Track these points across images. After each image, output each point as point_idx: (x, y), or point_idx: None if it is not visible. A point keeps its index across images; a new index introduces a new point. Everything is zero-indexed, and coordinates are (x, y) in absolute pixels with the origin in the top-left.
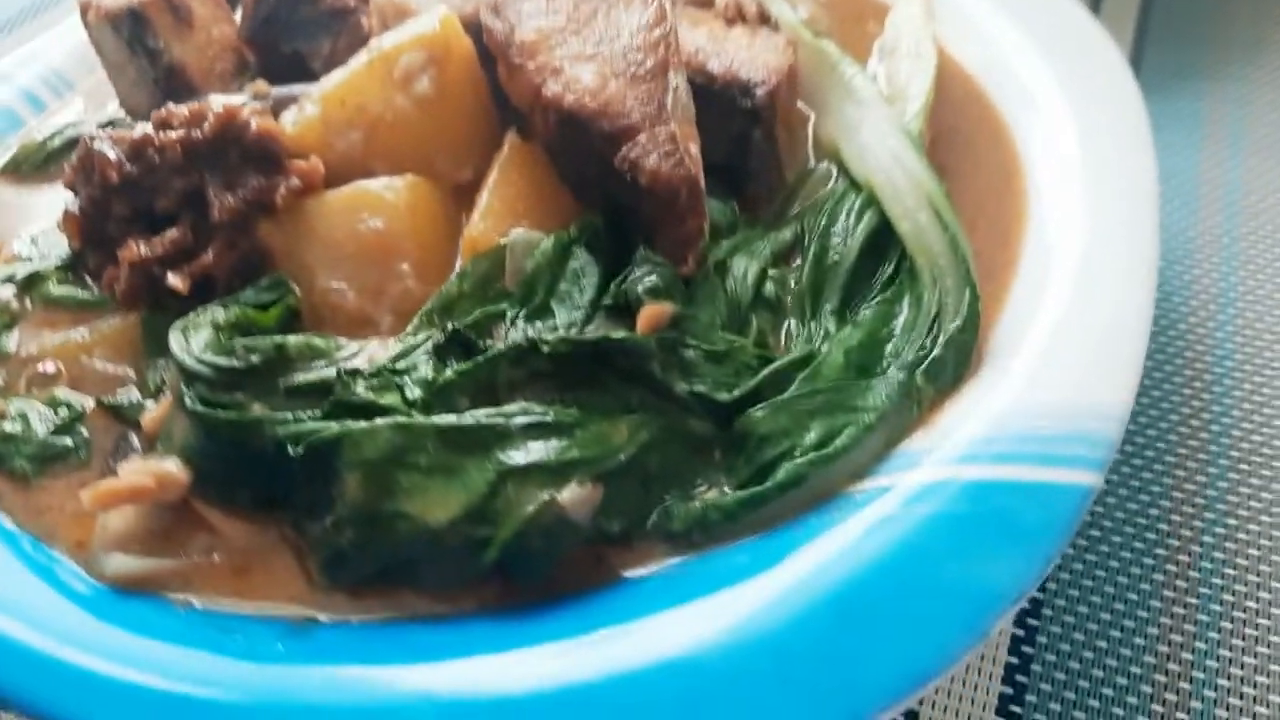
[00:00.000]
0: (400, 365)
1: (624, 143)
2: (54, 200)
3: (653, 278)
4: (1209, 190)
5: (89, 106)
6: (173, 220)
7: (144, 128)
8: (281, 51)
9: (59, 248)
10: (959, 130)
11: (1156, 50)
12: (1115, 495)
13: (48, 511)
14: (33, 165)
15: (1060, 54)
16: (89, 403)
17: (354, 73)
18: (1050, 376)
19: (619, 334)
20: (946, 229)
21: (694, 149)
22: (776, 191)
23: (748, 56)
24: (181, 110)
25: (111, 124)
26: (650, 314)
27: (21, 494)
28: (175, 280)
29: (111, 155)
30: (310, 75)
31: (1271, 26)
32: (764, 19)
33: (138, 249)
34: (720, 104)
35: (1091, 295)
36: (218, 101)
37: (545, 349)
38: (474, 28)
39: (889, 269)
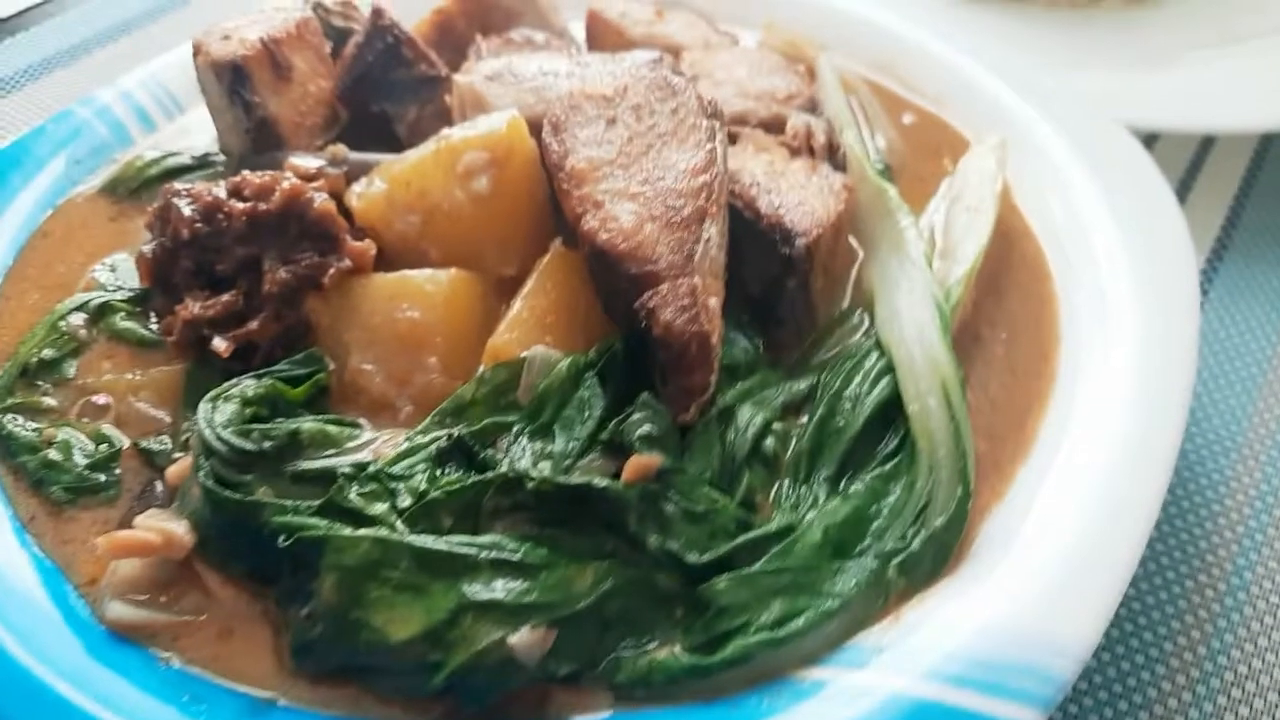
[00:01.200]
0: (397, 470)
1: (647, 288)
2: (140, 229)
3: (648, 426)
4: (1275, 377)
5: (194, 134)
6: (233, 281)
7: (219, 191)
8: (370, 111)
9: (133, 280)
10: (1008, 293)
11: (1257, 210)
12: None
13: (71, 542)
14: (128, 189)
15: (1132, 234)
16: (126, 442)
17: (422, 158)
18: (1022, 596)
19: (601, 482)
20: (953, 419)
21: (714, 303)
22: (805, 335)
23: (798, 200)
24: (255, 179)
25: (206, 159)
26: (636, 465)
27: (53, 521)
28: (219, 343)
29: (186, 212)
30: (394, 137)
31: None
32: (833, 149)
33: (192, 307)
34: (762, 243)
35: (1088, 515)
36: (291, 172)
37: (530, 485)
38: (541, 129)
39: (893, 443)
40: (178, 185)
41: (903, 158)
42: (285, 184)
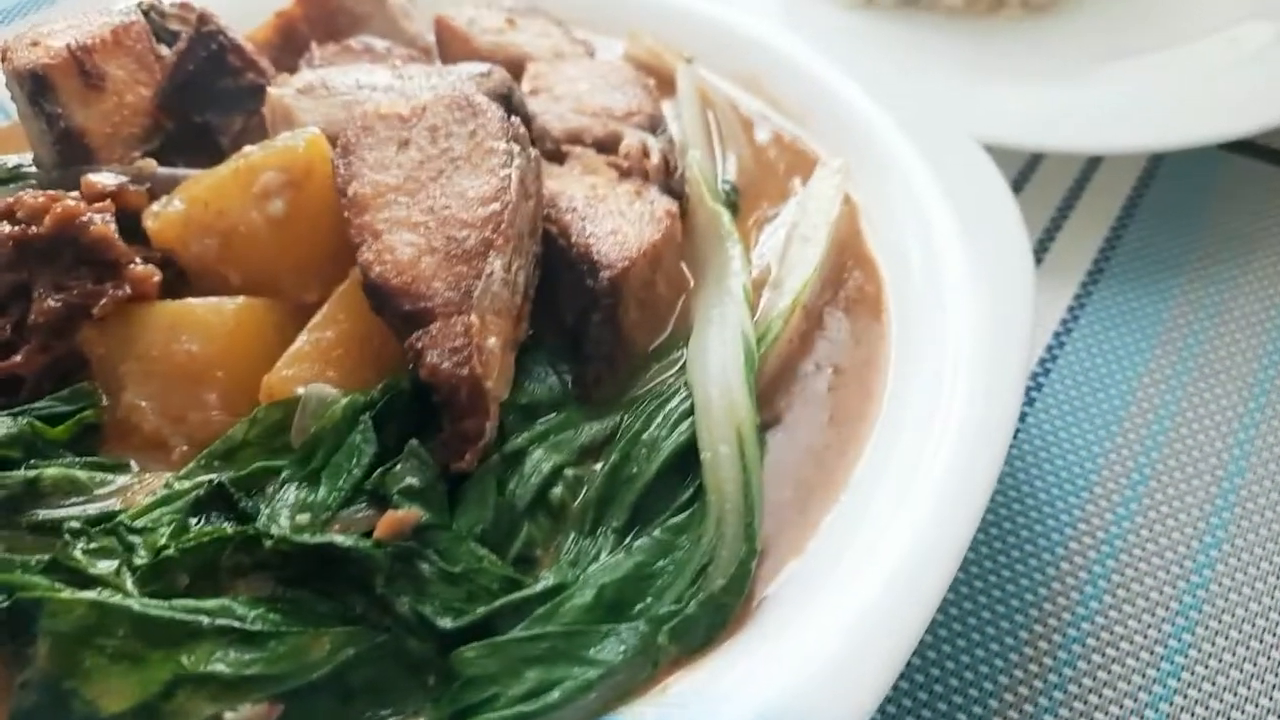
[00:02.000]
0: (141, 522)
1: (419, 326)
2: None
3: (410, 478)
4: (1137, 411)
5: (19, 141)
6: (3, 310)
7: None
8: (193, 121)
9: None
10: (841, 329)
11: (1139, 233)
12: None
13: None
14: None
15: (979, 277)
16: None
17: (220, 178)
18: (795, 670)
19: (345, 541)
20: (744, 470)
21: (493, 343)
22: (618, 371)
23: (611, 228)
24: (29, 200)
25: (18, 170)
26: (389, 521)
27: None
28: None
29: None
30: (217, 149)
31: (1271, 222)
32: (669, 170)
33: None
34: (574, 272)
35: (878, 588)
36: (85, 189)
37: (268, 544)
38: None
39: (688, 492)
40: None
41: (753, 178)
42: (59, 206)
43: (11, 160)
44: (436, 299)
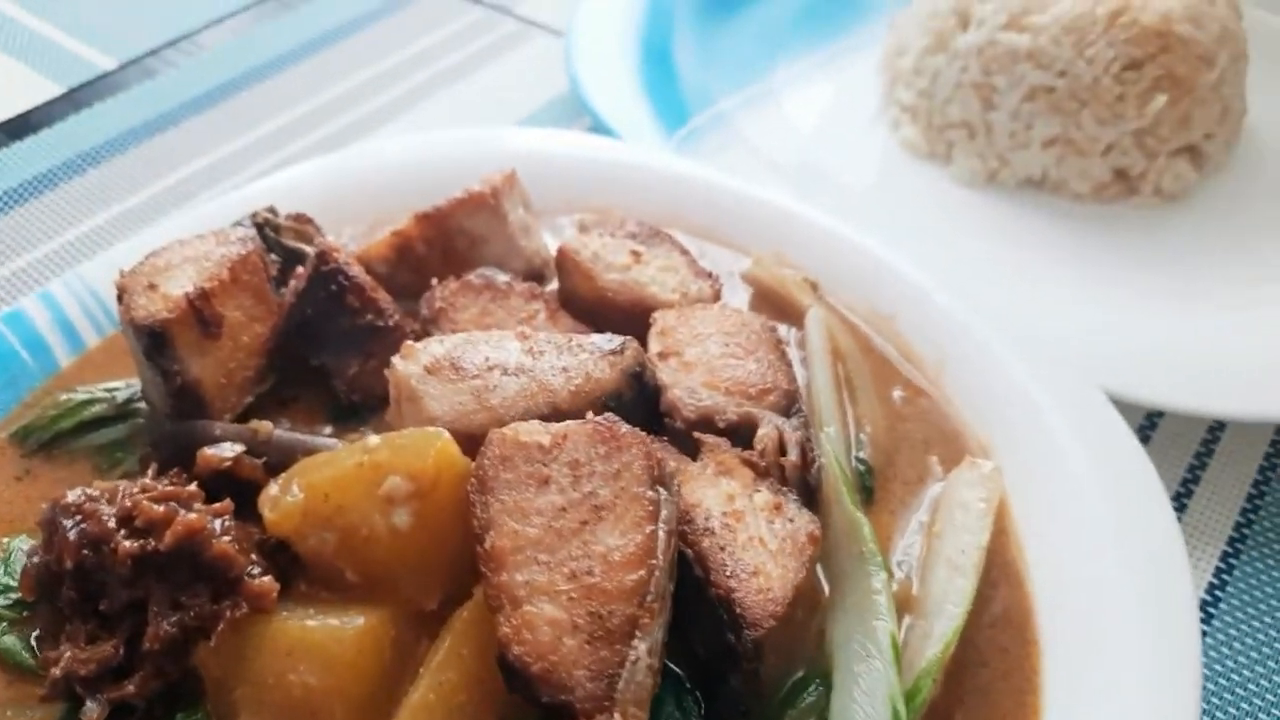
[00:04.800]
0: None
1: (555, 717)
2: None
3: None
4: None
5: (127, 358)
6: (119, 618)
7: (109, 514)
8: (308, 363)
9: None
10: (986, 663)
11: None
12: None
13: None
14: (39, 441)
15: (1145, 606)
16: None
17: (343, 471)
18: None
19: None
20: None
21: None
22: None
23: (753, 566)
24: (148, 508)
25: (129, 407)
26: None
27: None
28: (90, 711)
29: (71, 537)
30: (330, 392)
31: None
32: (806, 463)
33: (66, 655)
34: (710, 610)
35: None
36: (201, 464)
37: None
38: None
39: None
40: (69, 497)
41: (887, 455)
42: (181, 524)
43: (121, 391)
44: (578, 691)
